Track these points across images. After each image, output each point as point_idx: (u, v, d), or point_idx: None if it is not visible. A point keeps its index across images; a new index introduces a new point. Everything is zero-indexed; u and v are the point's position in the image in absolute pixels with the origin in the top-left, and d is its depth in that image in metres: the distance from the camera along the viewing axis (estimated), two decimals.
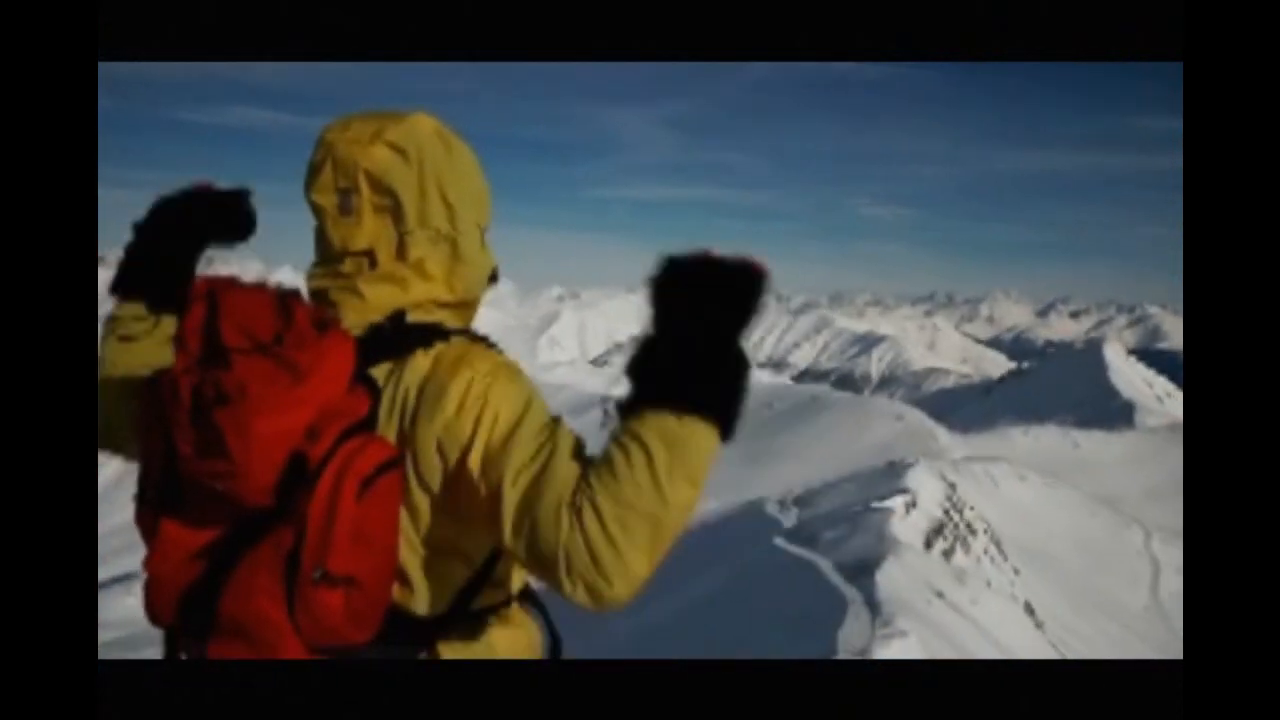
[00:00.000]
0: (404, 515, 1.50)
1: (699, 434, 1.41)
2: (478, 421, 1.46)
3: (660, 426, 1.40)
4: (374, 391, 1.50)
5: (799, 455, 45.95)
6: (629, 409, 1.44)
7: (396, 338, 1.54)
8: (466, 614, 1.59)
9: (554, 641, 1.76)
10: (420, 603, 1.55)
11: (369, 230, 1.57)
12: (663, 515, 1.39)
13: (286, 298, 1.48)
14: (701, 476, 1.43)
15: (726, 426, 1.44)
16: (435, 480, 1.49)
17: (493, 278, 1.70)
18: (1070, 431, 54.65)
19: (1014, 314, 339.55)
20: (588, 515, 1.37)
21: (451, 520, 1.52)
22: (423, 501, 1.50)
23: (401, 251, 1.58)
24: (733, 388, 1.44)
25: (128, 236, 1.77)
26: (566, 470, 1.42)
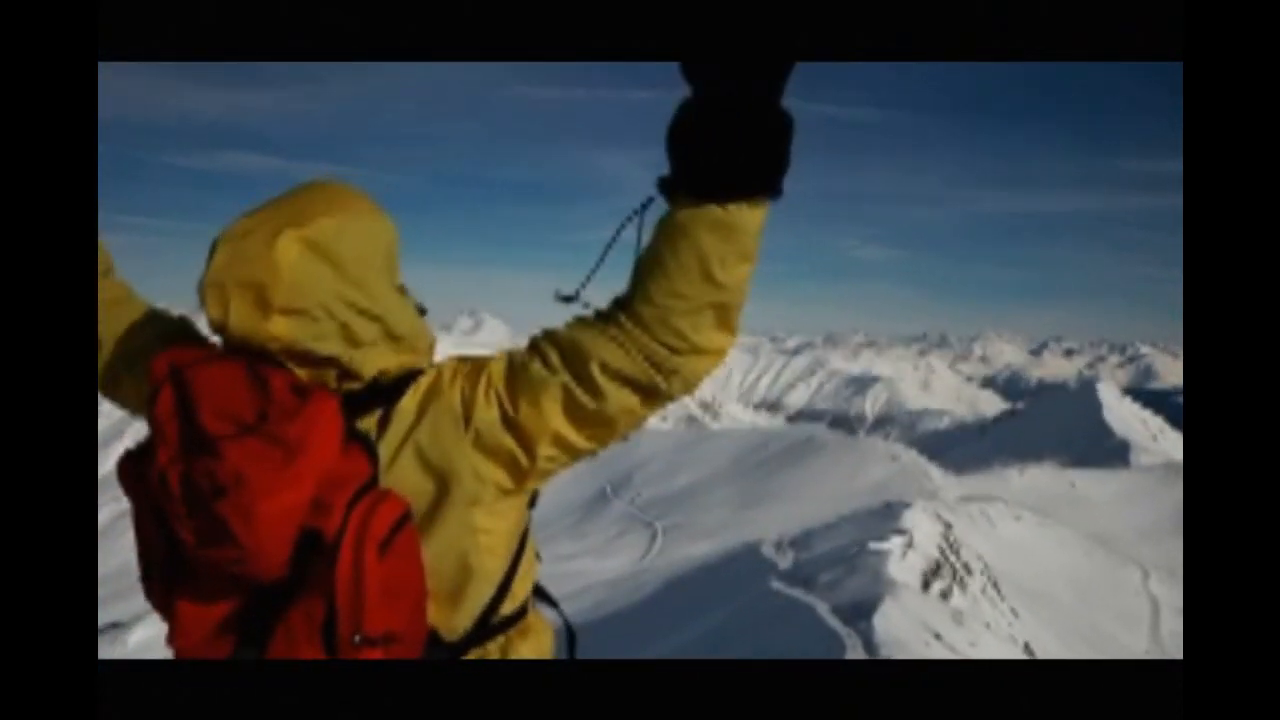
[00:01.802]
0: (440, 545, 1.52)
1: (745, 215, 1.43)
2: (489, 388, 1.52)
3: (707, 218, 1.42)
4: (368, 446, 1.49)
5: (795, 497, 45.79)
6: (674, 193, 1.46)
7: (376, 391, 1.54)
8: (487, 629, 1.61)
9: (569, 634, 1.79)
10: (447, 629, 1.57)
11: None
12: (724, 298, 1.46)
13: (258, 368, 1.45)
14: (754, 250, 1.46)
15: (773, 190, 1.45)
16: (493, 478, 1.53)
17: (421, 312, 1.67)
18: (1065, 471, 54.63)
19: (1007, 354, 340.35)
20: (649, 317, 1.46)
21: (502, 518, 1.57)
22: (467, 517, 1.53)
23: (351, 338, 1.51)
24: (774, 149, 1.42)
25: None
26: (573, 325, 1.53)
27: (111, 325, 1.72)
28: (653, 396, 1.51)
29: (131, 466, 1.45)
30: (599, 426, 1.52)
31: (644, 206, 1.51)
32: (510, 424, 1.50)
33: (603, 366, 1.48)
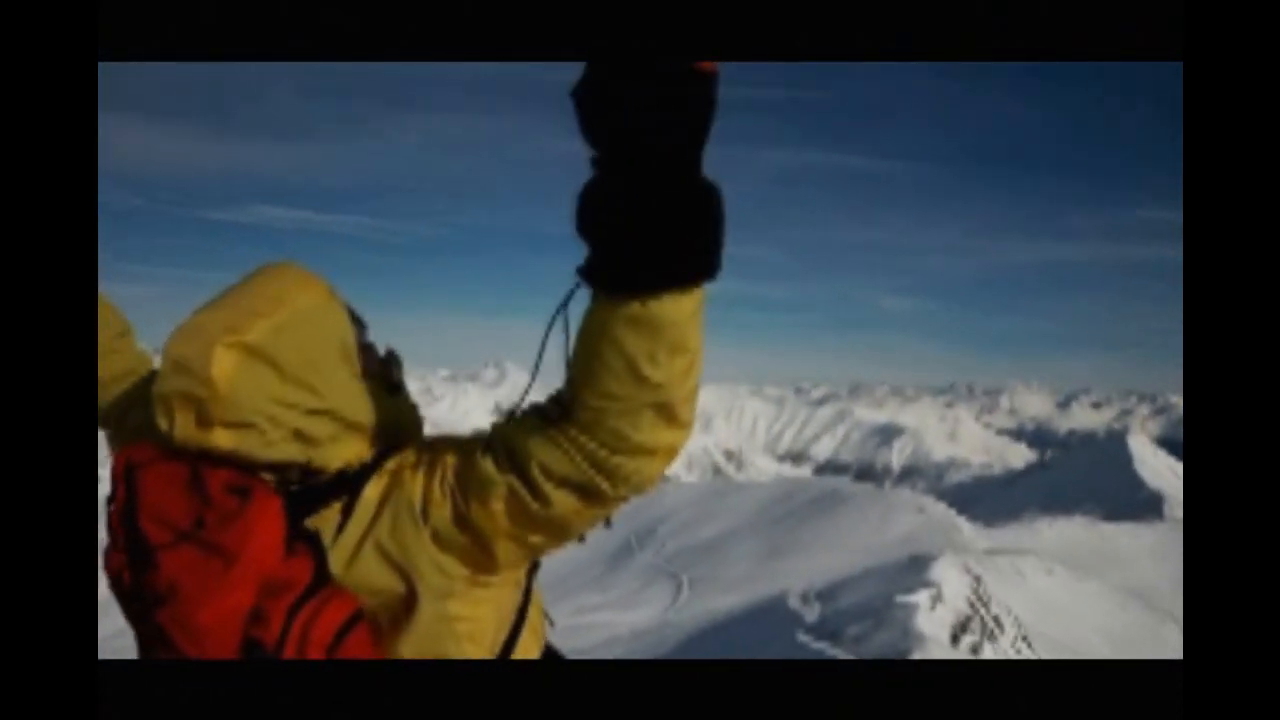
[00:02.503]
0: (415, 639, 1.47)
1: (667, 308, 1.23)
2: (444, 483, 1.43)
3: (624, 315, 1.24)
4: (316, 547, 1.45)
5: (820, 549, 45.39)
6: (591, 283, 1.27)
7: (340, 482, 1.49)
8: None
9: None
10: None
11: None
12: (661, 396, 1.28)
13: (200, 468, 1.43)
14: (688, 338, 1.26)
15: (699, 275, 1.23)
16: (458, 572, 1.45)
17: (394, 389, 1.61)
18: (1097, 523, 53.99)
19: (1034, 405, 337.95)
20: (584, 419, 1.32)
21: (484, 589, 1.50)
22: (440, 609, 1.46)
23: (307, 439, 1.48)
24: (694, 229, 1.21)
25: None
26: (520, 421, 1.40)
27: (126, 395, 1.73)
28: (597, 500, 1.37)
29: (105, 559, 1.45)
30: (549, 529, 1.42)
31: (566, 301, 1.34)
32: (463, 523, 1.42)
33: (543, 469, 1.35)
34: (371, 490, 1.46)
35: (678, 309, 1.23)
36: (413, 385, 1.74)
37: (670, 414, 1.30)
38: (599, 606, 38.33)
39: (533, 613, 1.64)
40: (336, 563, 1.44)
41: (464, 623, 1.48)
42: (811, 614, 26.52)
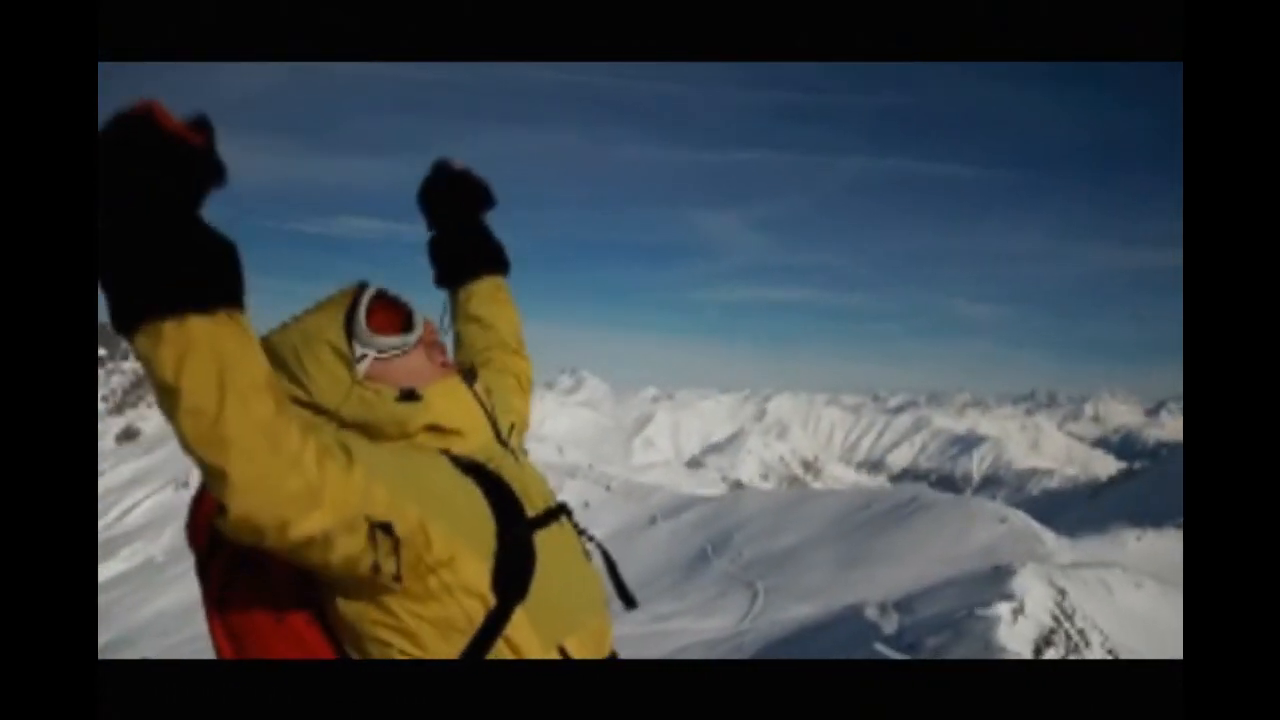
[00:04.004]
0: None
1: (138, 345, 1.25)
2: None
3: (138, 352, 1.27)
4: None
5: (898, 559, 44.71)
6: None
7: None
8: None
9: None
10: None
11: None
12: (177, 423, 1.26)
13: None
14: (164, 377, 1.24)
15: (168, 304, 1.23)
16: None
17: (410, 395, 1.65)
18: None
19: (1121, 414, 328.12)
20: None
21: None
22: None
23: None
24: (130, 263, 1.25)
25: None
26: None
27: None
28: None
29: None
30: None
31: None
32: None
33: None
34: None
35: (146, 346, 1.25)
36: None
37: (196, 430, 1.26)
38: (675, 614, 38.30)
39: (509, 658, 1.58)
40: None
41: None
42: (889, 625, 26.17)
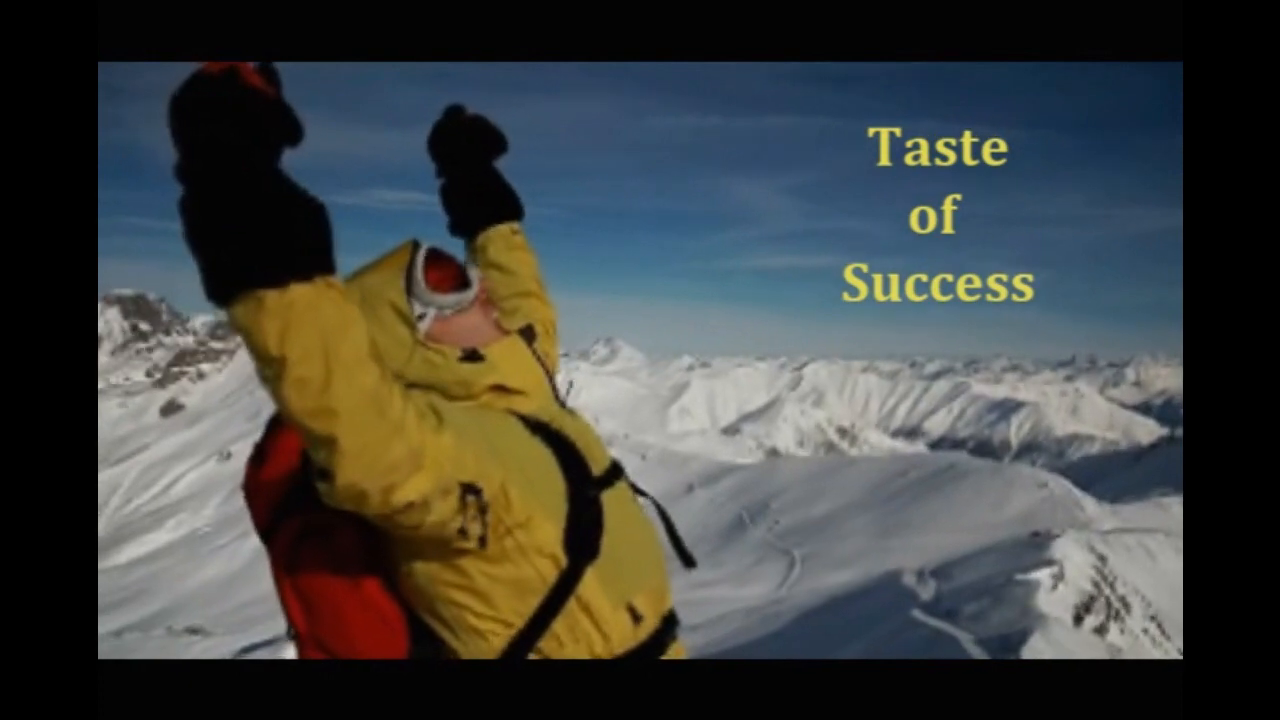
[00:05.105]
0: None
1: (238, 316, 1.21)
2: None
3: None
4: None
5: (936, 525, 44.62)
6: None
7: None
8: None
9: None
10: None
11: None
12: (276, 389, 1.24)
13: None
14: (269, 348, 1.20)
15: (262, 279, 1.18)
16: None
17: (473, 355, 1.63)
18: None
19: (1163, 378, 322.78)
20: None
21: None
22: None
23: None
24: (250, 229, 1.17)
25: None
26: None
27: None
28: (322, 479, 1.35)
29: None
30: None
31: None
32: None
33: None
34: None
35: (246, 317, 1.20)
36: None
37: (301, 391, 1.23)
38: (713, 582, 38.49)
39: (580, 618, 1.58)
40: None
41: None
42: (927, 591, 26.13)
